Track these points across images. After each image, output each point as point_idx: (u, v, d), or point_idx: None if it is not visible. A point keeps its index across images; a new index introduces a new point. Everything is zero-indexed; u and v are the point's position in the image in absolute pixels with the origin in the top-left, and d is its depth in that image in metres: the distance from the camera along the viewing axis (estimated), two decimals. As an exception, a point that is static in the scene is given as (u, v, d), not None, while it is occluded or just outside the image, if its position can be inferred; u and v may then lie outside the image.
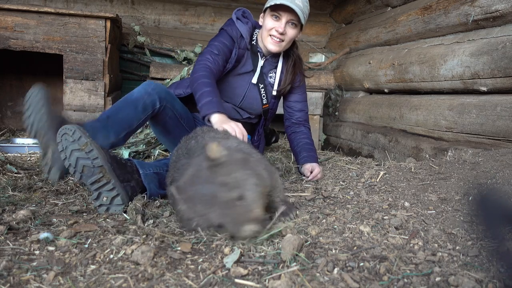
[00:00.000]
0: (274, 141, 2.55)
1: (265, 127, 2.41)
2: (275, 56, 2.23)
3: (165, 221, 1.39)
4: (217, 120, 1.73)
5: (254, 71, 2.20)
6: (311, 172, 2.08)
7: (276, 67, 2.26)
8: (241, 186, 1.12)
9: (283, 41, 2.08)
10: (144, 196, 1.60)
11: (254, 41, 2.20)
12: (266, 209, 1.30)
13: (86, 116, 3.04)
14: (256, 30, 2.23)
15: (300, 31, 2.14)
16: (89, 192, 1.71)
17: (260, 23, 2.17)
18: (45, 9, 2.94)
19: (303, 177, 2.11)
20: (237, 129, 1.67)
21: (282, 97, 2.37)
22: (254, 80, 2.20)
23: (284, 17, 2.02)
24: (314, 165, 2.11)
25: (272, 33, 2.06)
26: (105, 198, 1.48)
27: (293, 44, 2.23)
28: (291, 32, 2.07)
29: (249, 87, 2.20)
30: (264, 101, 2.24)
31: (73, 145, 1.46)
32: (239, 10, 2.22)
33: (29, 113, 1.57)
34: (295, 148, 2.30)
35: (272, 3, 2.00)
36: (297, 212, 1.47)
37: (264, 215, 1.22)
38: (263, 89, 2.22)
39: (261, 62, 2.21)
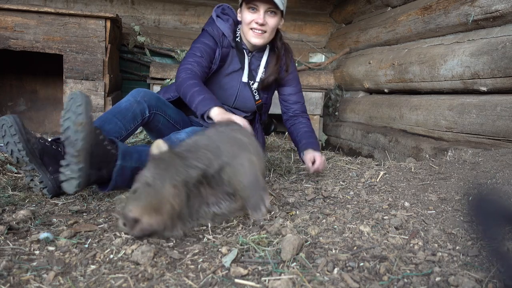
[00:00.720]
0: (273, 129, 2.53)
1: (262, 121, 2.39)
2: (261, 50, 2.17)
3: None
4: (218, 113, 1.70)
5: (242, 69, 2.15)
6: (313, 163, 2.02)
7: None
8: (140, 182, 1.18)
9: (265, 31, 2.01)
10: None
11: (238, 37, 2.13)
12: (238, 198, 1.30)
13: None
14: (240, 26, 2.14)
15: (282, 18, 2.07)
16: (89, 192, 1.71)
17: (239, 19, 2.09)
18: (45, 9, 2.94)
19: (305, 169, 2.04)
20: (239, 120, 1.66)
21: (277, 92, 2.34)
22: (245, 78, 2.15)
23: (262, 7, 1.95)
24: (316, 154, 2.05)
25: (252, 26, 1.99)
26: (68, 172, 1.48)
27: (277, 34, 2.15)
28: (271, 21, 2.00)
29: (240, 87, 2.17)
30: (257, 97, 2.21)
31: (71, 115, 1.46)
32: (218, 7, 2.15)
33: (6, 141, 1.58)
34: (295, 137, 2.25)
35: None
36: (268, 203, 1.28)
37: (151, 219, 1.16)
38: (255, 88, 2.19)
39: (247, 59, 2.16)
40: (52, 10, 2.95)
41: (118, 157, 1.61)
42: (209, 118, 1.73)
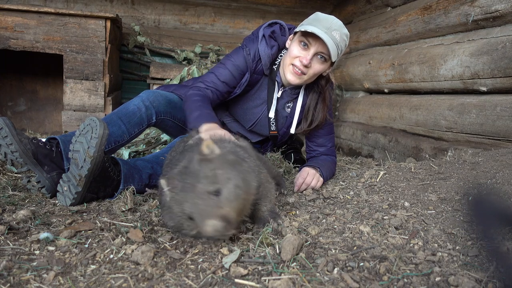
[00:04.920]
0: (293, 162, 2.35)
1: (294, 146, 2.28)
2: (296, 87, 1.96)
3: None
4: (206, 128, 1.57)
5: (269, 102, 1.97)
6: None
7: (296, 98, 2.00)
8: (220, 183, 1.09)
9: (305, 74, 1.81)
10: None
11: (276, 66, 1.93)
12: (251, 217, 1.29)
13: (86, 116, 3.04)
14: (284, 51, 1.93)
15: (331, 66, 1.87)
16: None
17: (287, 45, 1.88)
18: (45, 9, 2.95)
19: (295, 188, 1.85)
20: (227, 136, 1.50)
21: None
22: (271, 114, 1.98)
23: (313, 48, 1.76)
24: (311, 171, 1.82)
25: (295, 62, 1.80)
26: (65, 188, 1.52)
27: (321, 77, 1.93)
28: (317, 66, 1.80)
29: (260, 117, 2.03)
30: (273, 128, 2.03)
31: (84, 142, 1.48)
32: (271, 25, 1.91)
33: None
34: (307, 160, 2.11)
35: (303, 29, 1.74)
36: (281, 221, 1.34)
37: (238, 220, 1.17)
38: (274, 118, 2.02)
39: (278, 93, 1.96)
40: (52, 10, 2.95)
41: (120, 181, 1.65)
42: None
